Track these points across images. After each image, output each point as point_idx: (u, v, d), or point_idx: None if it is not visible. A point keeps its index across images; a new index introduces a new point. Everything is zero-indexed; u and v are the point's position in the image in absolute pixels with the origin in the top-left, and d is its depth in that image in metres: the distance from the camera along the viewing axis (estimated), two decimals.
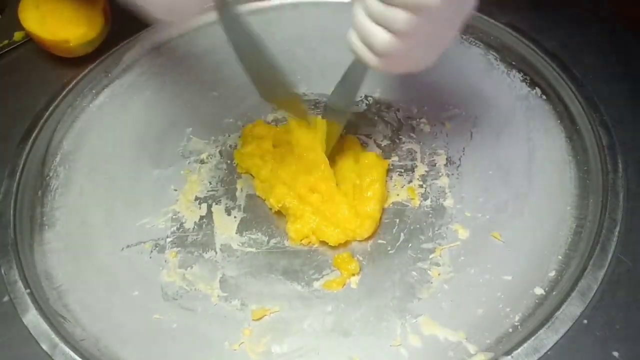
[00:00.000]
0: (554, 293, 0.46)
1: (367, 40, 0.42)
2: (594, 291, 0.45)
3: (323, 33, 0.67)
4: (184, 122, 0.60)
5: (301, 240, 0.51)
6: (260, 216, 0.53)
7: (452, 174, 0.55)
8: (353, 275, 0.49)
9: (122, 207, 0.54)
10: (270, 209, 0.53)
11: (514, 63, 0.61)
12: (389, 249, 0.50)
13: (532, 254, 0.49)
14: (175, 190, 0.55)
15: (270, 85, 0.53)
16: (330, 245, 0.50)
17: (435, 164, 0.56)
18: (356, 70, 0.49)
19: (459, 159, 0.56)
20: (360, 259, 0.50)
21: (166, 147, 0.58)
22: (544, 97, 0.59)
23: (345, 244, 0.51)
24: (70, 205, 0.54)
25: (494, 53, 0.63)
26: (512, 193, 0.53)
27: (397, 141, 0.58)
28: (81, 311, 0.48)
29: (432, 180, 0.55)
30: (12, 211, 0.52)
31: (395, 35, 0.40)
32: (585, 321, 0.44)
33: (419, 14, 0.38)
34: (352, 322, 0.47)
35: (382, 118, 0.60)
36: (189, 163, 0.57)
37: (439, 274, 0.49)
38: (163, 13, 0.45)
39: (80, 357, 0.44)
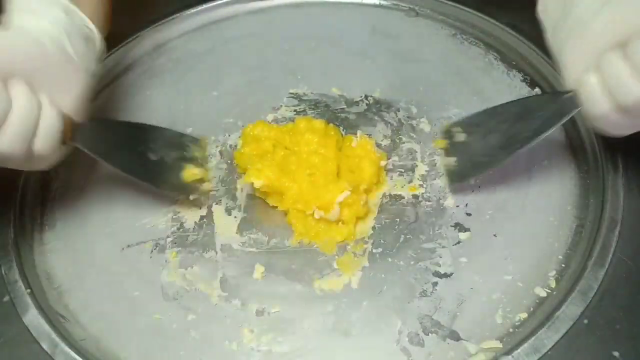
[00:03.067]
0: (554, 293, 0.46)
1: (616, 88, 0.40)
2: (594, 291, 0.45)
3: (323, 33, 0.67)
4: (184, 122, 0.60)
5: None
6: (260, 216, 0.53)
7: None
8: (353, 275, 0.49)
9: (122, 207, 0.54)
10: (273, 206, 0.53)
11: (514, 63, 0.61)
12: (389, 248, 0.50)
13: (532, 254, 0.49)
14: None
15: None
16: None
17: (435, 164, 0.56)
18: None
19: None
20: (361, 258, 0.50)
21: None
22: None
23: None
24: (71, 205, 0.54)
25: (494, 53, 0.63)
26: (512, 193, 0.53)
27: (397, 141, 0.58)
28: (81, 311, 0.48)
29: (432, 180, 0.55)
30: (12, 211, 0.52)
31: None
32: (586, 321, 0.44)
33: None
34: (352, 322, 0.47)
35: (382, 118, 0.60)
36: None
37: (439, 274, 0.49)
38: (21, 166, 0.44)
39: (80, 357, 0.44)
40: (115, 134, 0.51)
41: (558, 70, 0.46)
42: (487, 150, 0.51)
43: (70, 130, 0.46)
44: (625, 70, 0.39)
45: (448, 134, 0.55)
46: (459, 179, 0.53)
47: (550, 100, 0.48)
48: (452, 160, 0.53)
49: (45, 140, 0.43)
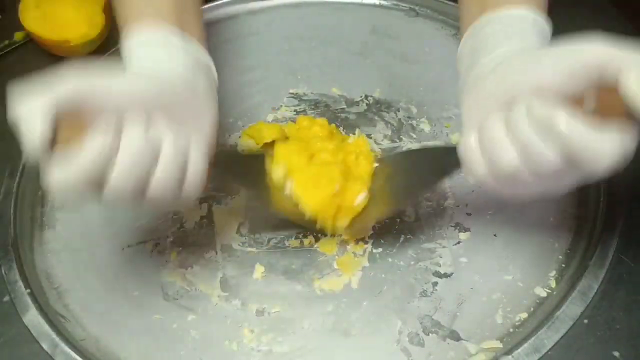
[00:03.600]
0: (554, 293, 0.46)
1: (491, 151, 0.36)
2: (595, 291, 0.45)
3: (323, 33, 0.67)
4: None
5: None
6: (261, 216, 0.53)
7: (452, 174, 0.55)
8: (353, 275, 0.49)
9: (122, 207, 0.54)
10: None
11: None
12: (389, 248, 0.50)
13: (532, 254, 0.49)
14: None
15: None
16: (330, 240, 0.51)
17: None
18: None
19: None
20: (361, 258, 0.50)
21: None
22: None
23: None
24: (70, 205, 0.54)
25: None
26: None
27: (397, 141, 0.58)
28: (81, 311, 0.48)
29: None
30: (12, 211, 0.52)
31: (528, 167, 0.34)
32: (586, 321, 0.44)
33: (571, 168, 0.33)
34: (352, 322, 0.47)
35: (382, 118, 0.60)
36: None
37: (439, 274, 0.49)
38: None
39: (80, 357, 0.44)
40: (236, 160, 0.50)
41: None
42: (396, 193, 0.49)
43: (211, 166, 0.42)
44: (502, 136, 0.35)
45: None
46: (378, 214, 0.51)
47: (453, 153, 0.43)
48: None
49: (195, 184, 0.39)
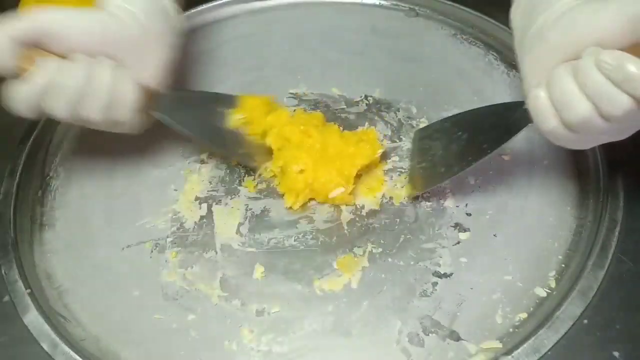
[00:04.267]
0: (554, 293, 0.46)
1: (563, 105, 0.38)
2: (594, 291, 0.45)
3: (323, 33, 0.67)
4: None
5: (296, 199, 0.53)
6: (260, 216, 0.53)
7: None
8: (353, 275, 0.49)
9: (122, 207, 0.54)
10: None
11: (514, 63, 0.61)
12: (389, 249, 0.50)
13: (532, 254, 0.49)
14: (175, 190, 0.55)
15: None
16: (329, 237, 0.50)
17: None
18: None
19: None
20: (361, 258, 0.50)
21: (166, 147, 0.58)
22: None
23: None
24: (70, 205, 0.54)
25: (494, 53, 0.63)
26: (512, 193, 0.53)
27: (397, 141, 0.58)
28: (81, 311, 0.48)
29: None
30: (12, 211, 0.52)
31: (601, 114, 0.37)
32: (586, 321, 0.44)
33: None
34: (352, 322, 0.47)
35: (382, 118, 0.60)
36: (189, 163, 0.57)
37: (439, 274, 0.49)
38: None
39: (80, 357, 0.44)
40: (191, 103, 0.55)
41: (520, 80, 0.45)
42: (446, 160, 0.51)
43: (151, 99, 0.50)
44: (573, 88, 0.38)
45: (415, 140, 0.56)
46: (419, 187, 0.52)
47: (510, 110, 0.47)
48: (416, 166, 0.53)
49: (125, 110, 0.48)
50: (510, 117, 0.46)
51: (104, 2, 0.48)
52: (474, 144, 0.49)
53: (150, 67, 0.50)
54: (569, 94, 0.38)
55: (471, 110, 0.53)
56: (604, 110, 0.36)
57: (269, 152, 0.55)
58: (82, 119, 0.47)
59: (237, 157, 0.56)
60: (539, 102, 0.41)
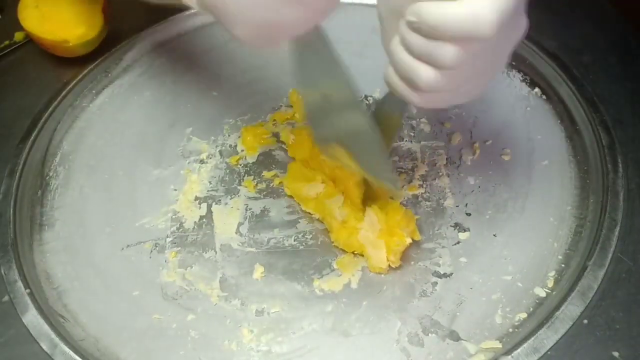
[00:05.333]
0: (554, 293, 0.46)
1: (409, 77, 0.37)
2: (594, 291, 0.45)
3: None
4: (184, 122, 0.60)
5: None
6: (260, 216, 0.53)
7: (452, 174, 0.55)
8: (353, 275, 0.49)
9: (122, 207, 0.54)
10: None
11: (514, 63, 0.61)
12: None
13: (532, 254, 0.49)
14: (175, 190, 0.55)
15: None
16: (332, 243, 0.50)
17: (435, 164, 0.56)
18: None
19: (459, 159, 0.56)
20: (361, 258, 0.50)
21: (166, 147, 0.58)
22: (544, 97, 0.59)
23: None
24: (70, 205, 0.54)
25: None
26: (512, 193, 0.53)
27: (398, 141, 0.58)
28: (81, 311, 0.48)
29: (432, 180, 0.55)
30: (12, 211, 0.52)
31: (440, 71, 0.35)
32: (585, 321, 0.44)
33: (468, 47, 0.34)
34: (352, 322, 0.47)
35: None
36: (189, 163, 0.57)
37: (439, 274, 0.49)
38: (251, 37, 0.38)
39: (80, 357, 0.44)
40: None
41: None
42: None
43: None
44: (405, 57, 0.37)
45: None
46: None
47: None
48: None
49: None
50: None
51: None
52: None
53: None
54: (405, 64, 0.37)
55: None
56: (439, 66, 0.35)
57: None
58: None
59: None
60: (390, 80, 0.40)
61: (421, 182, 0.55)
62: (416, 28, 0.35)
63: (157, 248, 0.51)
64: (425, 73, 0.36)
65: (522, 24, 0.37)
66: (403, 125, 0.59)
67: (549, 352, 0.42)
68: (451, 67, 0.35)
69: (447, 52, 0.34)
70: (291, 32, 0.40)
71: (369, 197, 0.51)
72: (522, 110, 0.58)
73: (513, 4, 0.33)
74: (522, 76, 0.60)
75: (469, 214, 0.52)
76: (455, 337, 0.45)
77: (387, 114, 0.47)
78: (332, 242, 0.51)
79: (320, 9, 0.39)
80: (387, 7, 0.40)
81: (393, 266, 0.48)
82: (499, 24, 0.33)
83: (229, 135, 0.59)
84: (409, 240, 0.48)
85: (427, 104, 0.40)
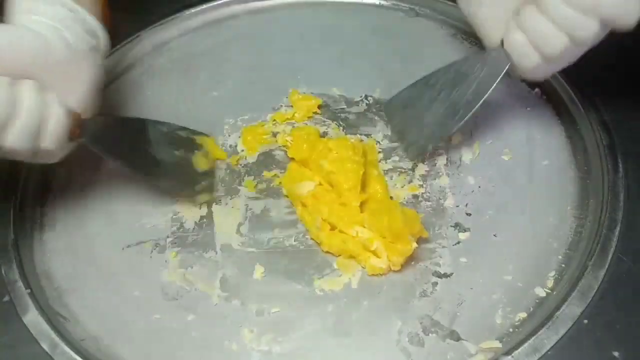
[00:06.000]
0: (554, 293, 0.46)
1: (542, 42, 0.43)
2: (594, 291, 0.45)
3: (323, 33, 0.67)
4: (184, 122, 0.60)
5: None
6: (260, 216, 0.53)
7: (452, 174, 0.55)
8: (353, 275, 0.49)
9: (122, 207, 0.54)
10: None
11: None
12: None
13: (532, 254, 0.49)
14: None
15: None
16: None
17: (435, 164, 0.56)
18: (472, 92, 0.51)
19: (459, 159, 0.56)
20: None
21: None
22: (544, 97, 0.59)
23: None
24: (71, 205, 0.54)
25: None
26: (512, 193, 0.53)
27: (397, 141, 0.58)
28: (81, 311, 0.48)
29: (432, 180, 0.55)
30: (12, 211, 0.52)
31: (574, 42, 0.41)
32: (586, 321, 0.44)
33: (607, 29, 0.40)
34: (352, 322, 0.47)
35: (382, 118, 0.60)
36: None
37: (439, 274, 0.49)
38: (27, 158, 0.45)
39: (80, 357, 0.44)
40: (121, 130, 0.52)
41: (477, 32, 0.50)
42: (436, 120, 0.53)
43: (78, 126, 0.46)
44: (546, 25, 0.42)
45: (389, 112, 0.57)
46: (418, 153, 0.55)
47: (478, 61, 0.51)
48: (404, 136, 0.56)
49: (52, 138, 0.44)
50: (484, 64, 0.50)
51: (16, 16, 0.44)
52: (456, 100, 0.51)
53: (78, 90, 0.45)
54: (544, 31, 0.42)
55: (435, 71, 0.54)
56: (577, 39, 0.41)
57: (211, 185, 0.54)
58: (4, 149, 0.42)
59: (169, 187, 0.53)
60: (519, 44, 0.45)
61: (421, 182, 0.55)
62: (571, 1, 0.40)
63: (157, 248, 0.51)
64: (561, 41, 0.41)
65: None
66: None
67: (549, 352, 0.42)
68: (587, 43, 0.41)
69: (591, 28, 0.40)
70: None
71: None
72: (522, 110, 0.58)
73: None
74: None
75: (469, 214, 0.52)
76: (455, 337, 0.45)
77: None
78: (324, 249, 0.50)
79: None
80: None
81: (394, 269, 0.48)
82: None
83: (229, 135, 0.59)
84: (414, 245, 0.47)
85: (538, 73, 0.46)
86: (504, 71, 0.48)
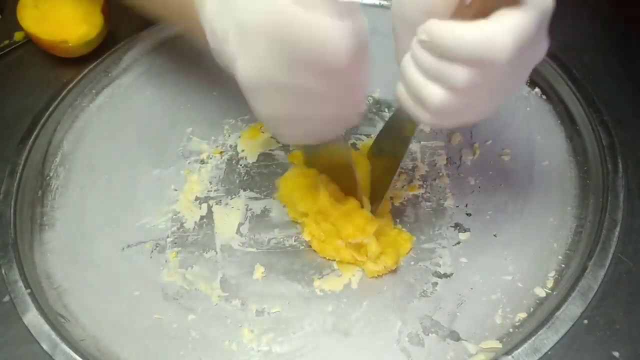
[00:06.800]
0: (554, 293, 0.46)
1: (419, 96, 0.36)
2: (594, 291, 0.45)
3: None
4: (184, 122, 0.60)
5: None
6: (261, 216, 0.53)
7: (452, 174, 0.55)
8: (353, 275, 0.49)
9: (122, 207, 0.54)
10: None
11: None
12: None
13: (532, 254, 0.49)
14: (175, 190, 0.55)
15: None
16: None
17: (435, 164, 0.56)
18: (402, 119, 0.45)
19: (459, 159, 0.56)
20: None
21: (166, 147, 0.58)
22: (544, 97, 0.59)
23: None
24: (70, 205, 0.54)
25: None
26: (512, 193, 0.53)
27: None
28: (81, 311, 0.48)
29: (432, 180, 0.55)
30: (12, 211, 0.52)
31: (452, 92, 0.34)
32: (586, 321, 0.44)
33: (481, 71, 0.33)
34: (352, 322, 0.47)
35: (382, 118, 0.60)
36: (189, 163, 0.57)
37: (439, 274, 0.49)
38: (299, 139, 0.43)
39: (80, 357, 0.44)
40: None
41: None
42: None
43: None
44: (417, 77, 0.36)
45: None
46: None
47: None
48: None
49: None
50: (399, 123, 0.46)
51: None
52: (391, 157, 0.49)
53: None
54: (415, 82, 0.36)
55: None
56: (449, 87, 0.34)
57: None
58: None
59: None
60: (402, 99, 0.38)
61: (421, 182, 0.55)
62: (428, 47, 0.34)
63: (157, 248, 0.51)
64: (435, 93, 0.35)
65: (542, 48, 0.36)
66: None
67: (549, 352, 0.42)
68: (463, 89, 0.34)
69: (459, 74, 0.33)
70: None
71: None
72: (522, 111, 0.58)
73: (532, 29, 0.32)
74: None
75: (469, 214, 0.52)
76: (455, 337, 0.45)
77: (401, 123, 0.47)
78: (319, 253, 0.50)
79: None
80: (402, 21, 0.38)
81: (391, 268, 0.48)
82: (514, 50, 0.32)
83: (229, 135, 0.59)
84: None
85: (436, 124, 0.38)
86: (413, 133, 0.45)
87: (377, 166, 0.52)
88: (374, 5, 0.69)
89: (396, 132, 0.48)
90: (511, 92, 0.38)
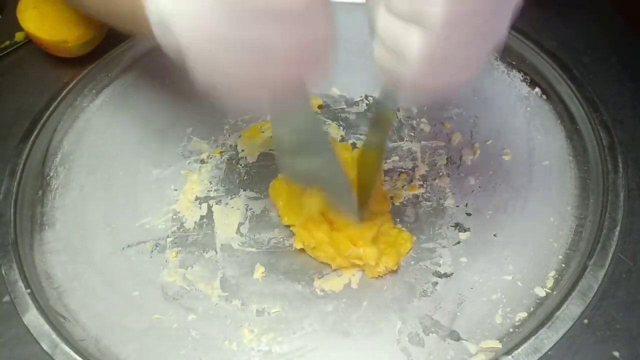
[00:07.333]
0: (554, 293, 0.46)
1: (398, 47, 0.33)
2: (595, 291, 0.45)
3: None
4: (184, 122, 0.60)
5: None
6: (261, 216, 0.53)
7: (452, 174, 0.55)
8: (353, 275, 0.49)
9: (122, 207, 0.54)
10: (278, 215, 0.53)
11: (514, 63, 0.61)
12: None
13: (532, 254, 0.49)
14: (176, 190, 0.55)
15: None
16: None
17: (435, 164, 0.56)
18: (384, 107, 0.43)
19: (459, 159, 0.56)
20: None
21: (166, 147, 0.58)
22: (544, 97, 0.59)
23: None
24: (70, 205, 0.54)
25: (494, 53, 0.63)
26: (512, 193, 0.53)
27: (398, 141, 0.58)
28: (81, 311, 0.48)
29: (432, 180, 0.55)
30: (12, 211, 0.52)
31: (431, 35, 0.32)
32: (586, 321, 0.44)
33: (458, 3, 0.31)
34: (352, 322, 0.47)
35: None
36: (189, 163, 0.57)
37: (439, 274, 0.49)
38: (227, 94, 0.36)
39: (80, 357, 0.44)
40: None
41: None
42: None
43: None
44: (394, 22, 0.33)
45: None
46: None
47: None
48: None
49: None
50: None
51: None
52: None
53: None
54: (392, 30, 0.34)
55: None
56: (427, 26, 0.32)
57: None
58: None
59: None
60: (380, 59, 0.36)
61: (421, 182, 0.55)
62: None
63: (157, 248, 0.51)
64: (414, 39, 0.32)
65: None
66: (403, 125, 0.59)
67: (549, 352, 0.42)
68: (441, 27, 0.31)
69: (436, 6, 0.31)
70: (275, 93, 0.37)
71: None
72: (522, 110, 0.58)
73: None
74: (522, 76, 0.60)
75: (469, 214, 0.52)
76: (455, 337, 0.45)
77: (381, 113, 0.46)
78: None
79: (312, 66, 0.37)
80: None
81: (392, 269, 0.48)
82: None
83: (229, 135, 0.59)
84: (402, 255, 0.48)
85: (420, 85, 0.35)
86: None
87: (363, 167, 0.51)
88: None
89: (375, 125, 0.47)
90: (495, 38, 0.35)
